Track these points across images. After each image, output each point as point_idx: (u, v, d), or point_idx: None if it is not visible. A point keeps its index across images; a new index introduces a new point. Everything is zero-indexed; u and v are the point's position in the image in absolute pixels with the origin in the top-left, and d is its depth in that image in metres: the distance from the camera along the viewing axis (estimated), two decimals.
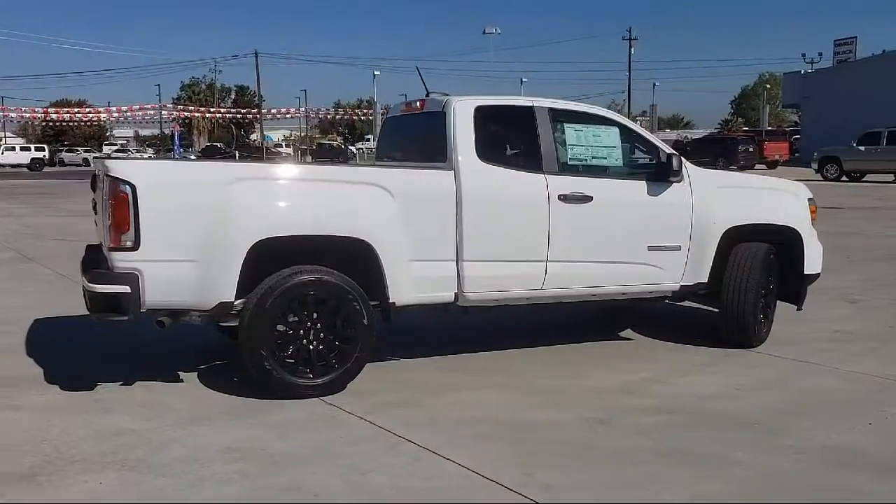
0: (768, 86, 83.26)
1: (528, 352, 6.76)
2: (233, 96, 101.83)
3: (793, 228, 6.92)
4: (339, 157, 57.03)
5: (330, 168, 5.96)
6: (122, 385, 5.79)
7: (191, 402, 5.44)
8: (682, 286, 6.64)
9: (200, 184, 5.31)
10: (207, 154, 68.27)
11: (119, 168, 5.13)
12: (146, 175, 5.18)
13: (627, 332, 7.45)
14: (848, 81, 49.09)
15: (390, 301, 5.72)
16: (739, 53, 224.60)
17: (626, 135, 6.54)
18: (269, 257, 5.36)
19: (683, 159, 6.45)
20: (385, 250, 5.61)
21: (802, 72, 58.02)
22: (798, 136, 56.40)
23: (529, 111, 6.27)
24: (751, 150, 44.71)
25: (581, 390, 5.68)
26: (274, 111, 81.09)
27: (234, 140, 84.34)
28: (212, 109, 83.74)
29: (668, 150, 6.55)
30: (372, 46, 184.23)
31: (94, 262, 5.97)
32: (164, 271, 5.18)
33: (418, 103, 6.57)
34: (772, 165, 44.63)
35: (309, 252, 5.51)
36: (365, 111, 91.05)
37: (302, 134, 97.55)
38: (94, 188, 5.89)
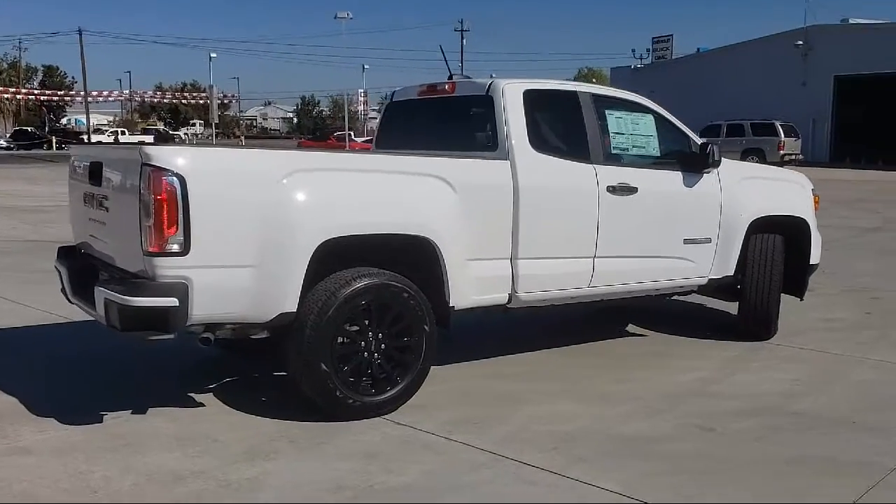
0: (594, 80, 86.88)
1: (557, 353, 6.37)
2: (40, 77, 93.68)
3: (804, 219, 6.92)
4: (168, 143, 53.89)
5: (390, 158, 5.25)
6: (134, 414, 4.88)
7: (232, 431, 4.64)
8: (709, 279, 6.47)
9: (258, 176, 4.50)
10: (17, 139, 62.62)
11: (164, 156, 4.23)
12: (198, 165, 4.31)
13: (630, 328, 7.21)
14: (676, 76, 51.80)
15: (450, 305, 5.14)
16: (563, 47, 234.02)
17: (660, 123, 6.26)
18: (329, 260, 4.65)
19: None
20: (447, 249, 5.03)
21: (633, 67, 60.79)
22: None
23: (574, 96, 5.86)
24: None
25: (652, 395, 5.34)
26: (95, 93, 75.58)
27: (45, 125, 78.07)
28: (23, 90, 76.79)
29: (699, 139, 6.35)
30: (202, 26, 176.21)
31: (87, 270, 5.02)
32: (217, 279, 4.36)
33: (447, 86, 5.97)
34: None
35: (368, 252, 4.84)
36: (195, 94, 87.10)
37: (126, 118, 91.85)
38: (93, 179, 4.88)
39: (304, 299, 4.57)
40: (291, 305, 4.53)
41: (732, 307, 7.26)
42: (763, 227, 6.60)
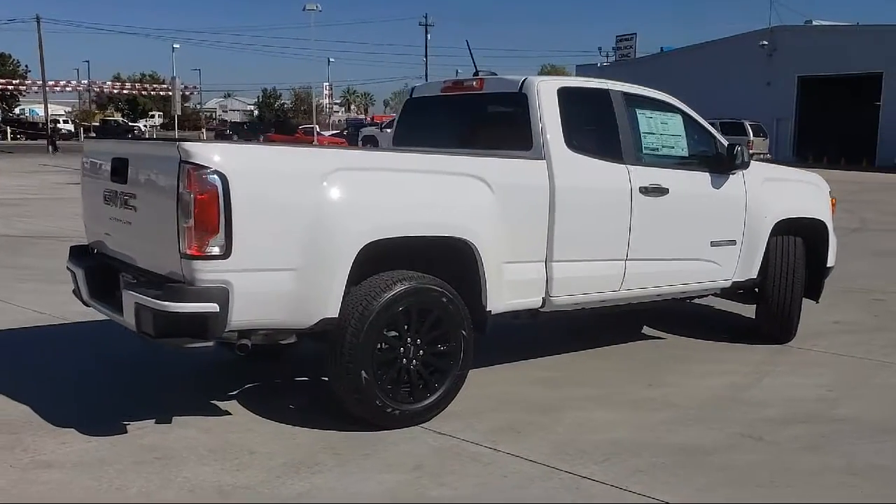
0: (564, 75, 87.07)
1: (582, 356, 6.25)
2: None
3: (822, 222, 6.87)
4: (127, 136, 52.73)
5: (429, 157, 5.05)
6: (159, 424, 4.64)
7: (268, 442, 4.43)
8: (733, 282, 6.38)
9: (300, 175, 4.28)
10: None
11: (205, 153, 3.99)
12: (239, 163, 4.08)
13: (647, 330, 7.11)
14: (643, 75, 51.88)
15: (487, 309, 4.97)
16: (528, 44, 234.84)
17: (688, 122, 6.15)
18: (369, 263, 4.46)
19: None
20: (485, 251, 4.86)
21: (598, 65, 61.13)
22: None
23: (605, 94, 5.71)
24: None
25: (689, 401, 5.23)
26: (52, 83, 73.70)
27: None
28: None
29: (725, 140, 6.26)
30: (163, 16, 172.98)
31: (105, 272, 4.76)
32: (258, 284, 4.14)
33: (475, 83, 5.79)
34: None
35: (405, 255, 4.66)
36: (154, 86, 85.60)
37: (83, 108, 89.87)
38: (116, 176, 4.61)
39: (344, 304, 4.37)
40: (334, 311, 4.33)
41: (743, 308, 7.23)
42: (785, 229, 6.54)
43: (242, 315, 4.11)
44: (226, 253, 4.00)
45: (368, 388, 4.43)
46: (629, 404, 5.16)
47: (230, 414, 4.85)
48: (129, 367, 5.81)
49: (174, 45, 57.65)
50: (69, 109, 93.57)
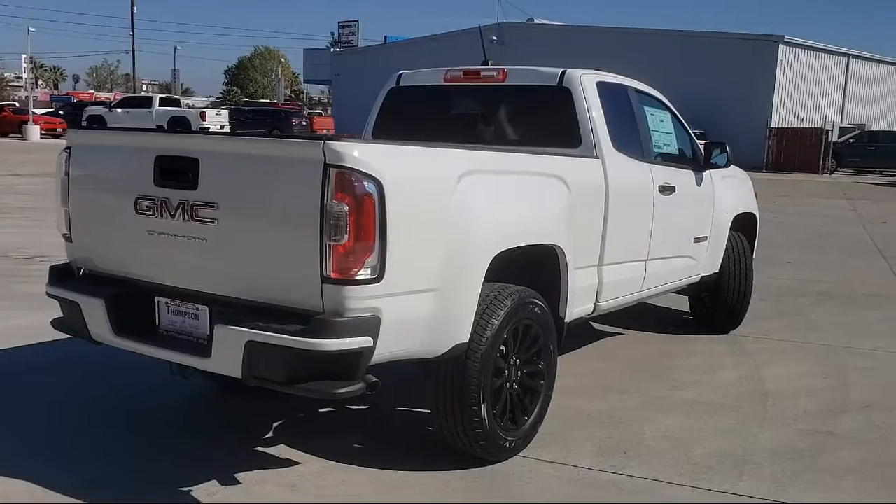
0: (283, 59, 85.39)
1: (571, 357, 6.01)
2: None
3: (755, 215, 7.25)
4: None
5: (526, 157, 4.49)
6: (226, 485, 3.75)
7: (383, 493, 3.76)
8: (702, 277, 6.51)
9: (438, 180, 3.61)
10: None
11: (359, 155, 3.20)
12: (392, 166, 3.32)
13: (600, 326, 7.07)
14: (371, 64, 52.43)
15: (565, 320, 4.60)
16: (248, 23, 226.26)
17: (675, 120, 6.14)
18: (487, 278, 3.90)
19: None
20: (569, 257, 4.48)
21: (332, 50, 60.62)
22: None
23: (625, 90, 5.52)
24: (303, 123, 45.59)
25: (728, 399, 5.23)
26: None
27: None
28: None
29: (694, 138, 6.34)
30: None
31: (135, 301, 3.77)
32: (403, 309, 3.43)
33: (496, 73, 5.31)
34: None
35: (505, 266, 4.14)
36: None
37: None
38: (171, 180, 3.57)
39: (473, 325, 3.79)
40: (466, 334, 3.73)
41: (669, 300, 7.35)
42: (735, 223, 6.80)
43: (385, 348, 3.38)
44: (378, 276, 3.27)
45: (491, 420, 3.90)
46: (676, 408, 5.04)
47: (300, 463, 4.03)
48: (124, 411, 4.71)
49: (30, 28, 46.06)
50: None
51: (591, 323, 6.94)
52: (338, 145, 3.19)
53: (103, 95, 71.72)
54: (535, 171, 4.36)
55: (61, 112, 43.15)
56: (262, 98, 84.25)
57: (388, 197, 3.25)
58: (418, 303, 3.51)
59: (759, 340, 6.78)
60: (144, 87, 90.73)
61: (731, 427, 4.76)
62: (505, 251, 3.90)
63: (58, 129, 38.64)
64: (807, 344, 6.72)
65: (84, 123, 38.47)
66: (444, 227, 3.58)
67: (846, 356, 6.37)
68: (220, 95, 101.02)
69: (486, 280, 3.82)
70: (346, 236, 3.18)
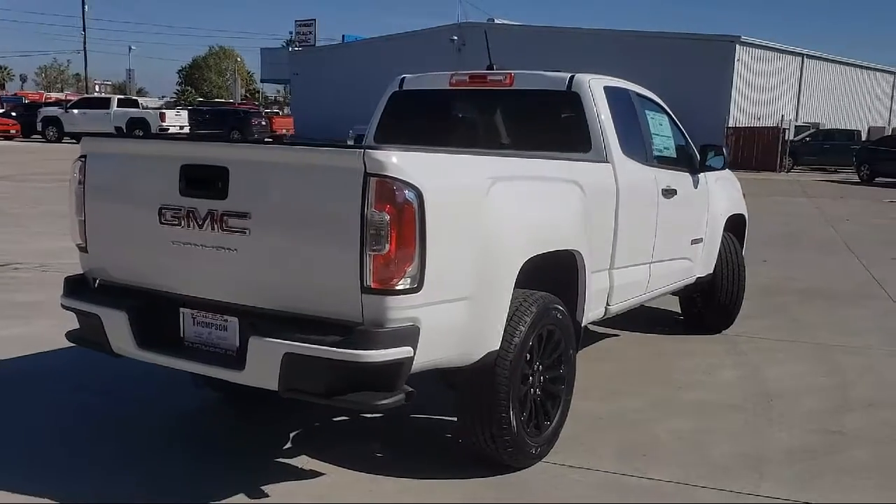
0: (239, 59, 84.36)
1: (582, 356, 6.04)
2: None
3: (745, 216, 7.35)
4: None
5: (547, 162, 4.49)
6: (254, 498, 3.68)
7: (411, 498, 3.72)
8: (698, 278, 6.58)
9: (471, 186, 3.59)
10: None
11: (399, 163, 3.17)
12: (429, 173, 3.30)
13: (595, 328, 7.10)
14: (334, 61, 52.23)
15: (582, 325, 4.61)
16: (205, 22, 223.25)
17: (672, 123, 6.19)
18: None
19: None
20: (586, 262, 4.50)
21: (290, 49, 60.07)
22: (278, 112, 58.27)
23: (627, 94, 5.55)
24: (263, 123, 45.09)
25: (734, 399, 5.29)
26: None
27: None
28: None
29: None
30: None
31: (155, 312, 3.69)
32: (440, 318, 3.41)
33: (503, 78, 5.30)
34: (278, 140, 45.60)
35: (528, 272, 4.13)
36: None
37: None
38: (199, 189, 3.49)
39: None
40: (496, 342, 3.72)
41: (657, 300, 7.41)
42: (727, 224, 6.88)
43: (423, 357, 3.36)
44: (419, 285, 3.24)
45: (519, 427, 3.89)
46: (683, 409, 5.09)
47: (325, 474, 3.98)
48: (124, 422, 4.57)
49: None
50: None
51: (588, 324, 6.98)
52: (378, 154, 3.16)
53: (54, 95, 70.21)
54: (556, 177, 4.38)
55: (13, 113, 42.04)
56: (217, 98, 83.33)
57: (427, 205, 3.23)
58: (455, 311, 3.49)
59: (752, 340, 6.86)
60: (97, 88, 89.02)
61: (741, 427, 4.82)
62: (534, 257, 3.90)
63: (11, 132, 37.66)
64: (800, 343, 6.82)
65: (39, 125, 37.69)
66: (478, 234, 3.57)
67: (840, 354, 6.48)
68: (175, 95, 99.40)
69: (515, 286, 3.82)
70: (387, 246, 3.15)
